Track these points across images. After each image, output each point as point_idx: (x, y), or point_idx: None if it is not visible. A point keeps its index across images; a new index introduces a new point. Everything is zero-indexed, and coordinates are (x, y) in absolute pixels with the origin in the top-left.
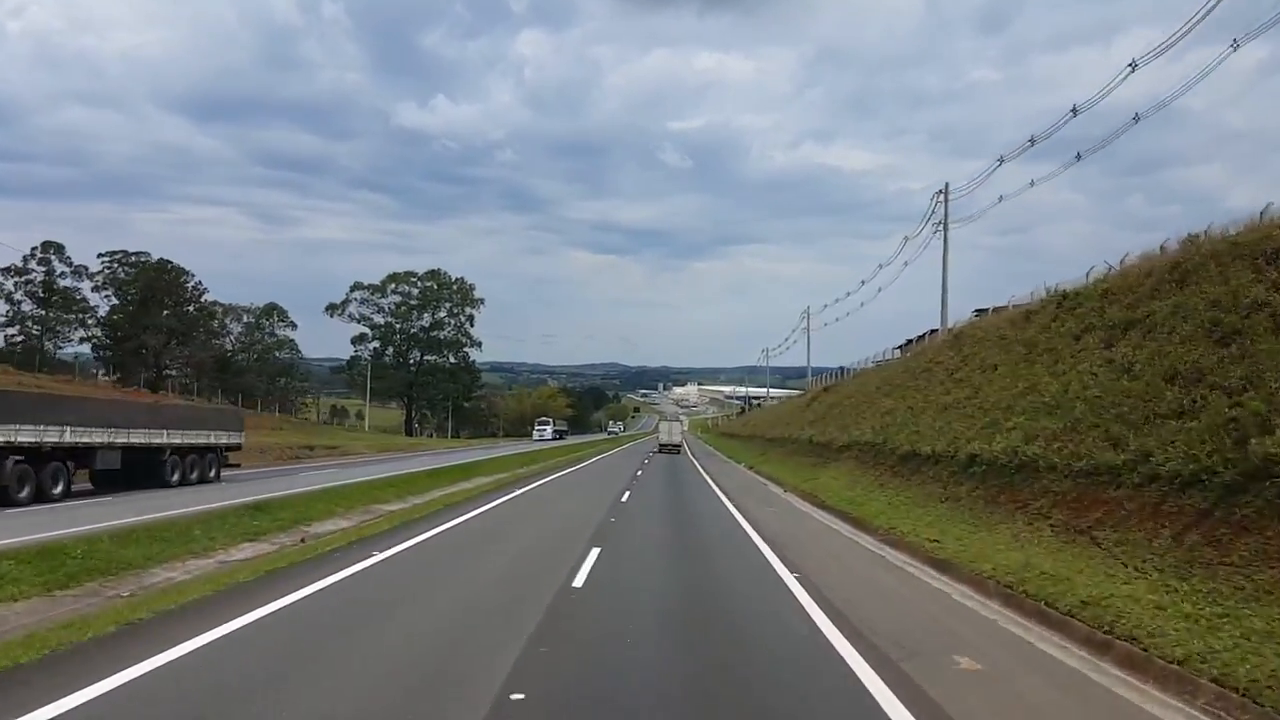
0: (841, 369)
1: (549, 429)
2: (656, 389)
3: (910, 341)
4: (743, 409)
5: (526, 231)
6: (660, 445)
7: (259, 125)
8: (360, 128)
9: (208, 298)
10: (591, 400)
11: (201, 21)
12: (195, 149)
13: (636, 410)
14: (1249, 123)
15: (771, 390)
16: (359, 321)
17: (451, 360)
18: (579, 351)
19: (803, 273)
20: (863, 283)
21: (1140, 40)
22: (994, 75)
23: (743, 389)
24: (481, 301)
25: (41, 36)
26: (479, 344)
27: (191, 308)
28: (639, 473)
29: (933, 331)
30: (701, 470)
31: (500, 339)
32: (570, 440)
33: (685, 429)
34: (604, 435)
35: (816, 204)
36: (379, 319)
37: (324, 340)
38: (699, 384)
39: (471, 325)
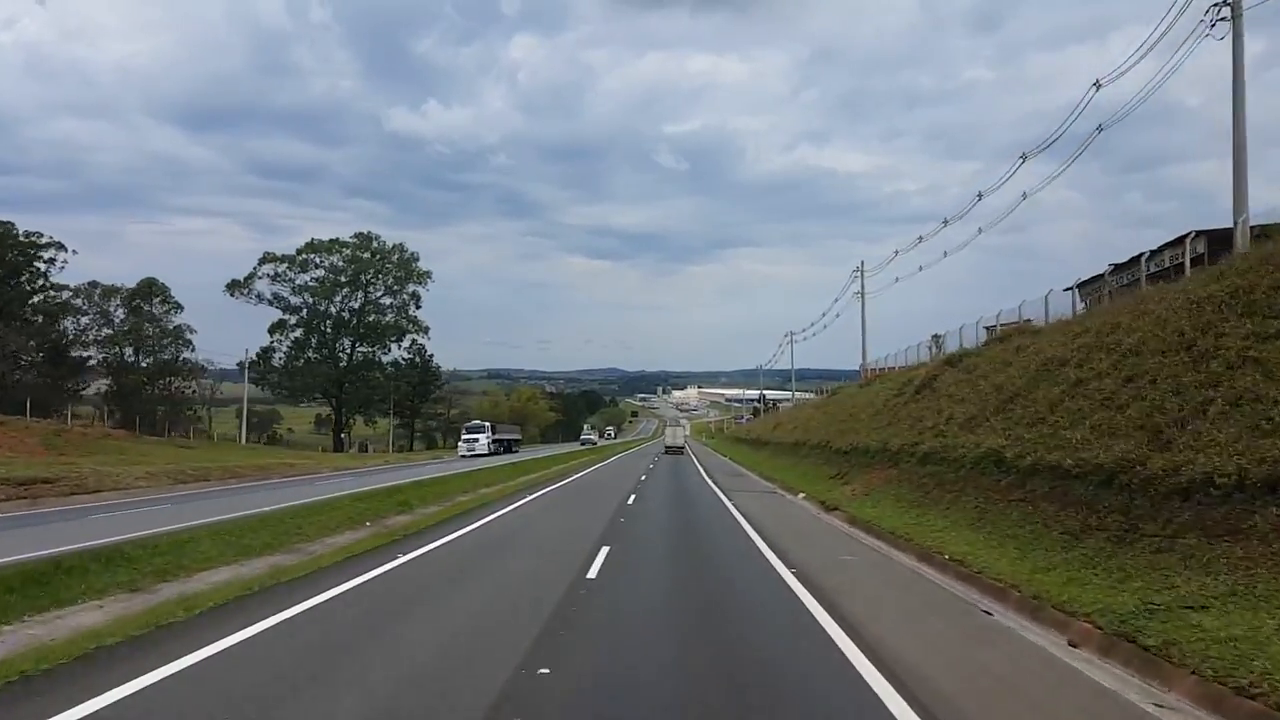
0: (936, 338)
1: (482, 439)
2: (655, 393)
3: (1152, 254)
4: (757, 410)
5: (522, 237)
6: (666, 447)
7: (252, 134)
8: (354, 135)
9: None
10: (585, 404)
11: (193, 30)
12: (188, 159)
13: (634, 415)
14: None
15: (770, 392)
16: (271, 303)
17: (403, 353)
18: (577, 357)
19: (799, 275)
20: (945, 221)
21: (1135, 38)
22: (988, 75)
23: (747, 392)
24: (429, 275)
25: (33, 47)
26: (426, 329)
27: (25, 280)
28: (594, 568)
29: (1201, 233)
30: (741, 519)
31: (497, 345)
32: (524, 455)
33: (688, 434)
34: (579, 445)
35: (812, 206)
36: (295, 299)
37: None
38: (699, 387)
39: (417, 307)
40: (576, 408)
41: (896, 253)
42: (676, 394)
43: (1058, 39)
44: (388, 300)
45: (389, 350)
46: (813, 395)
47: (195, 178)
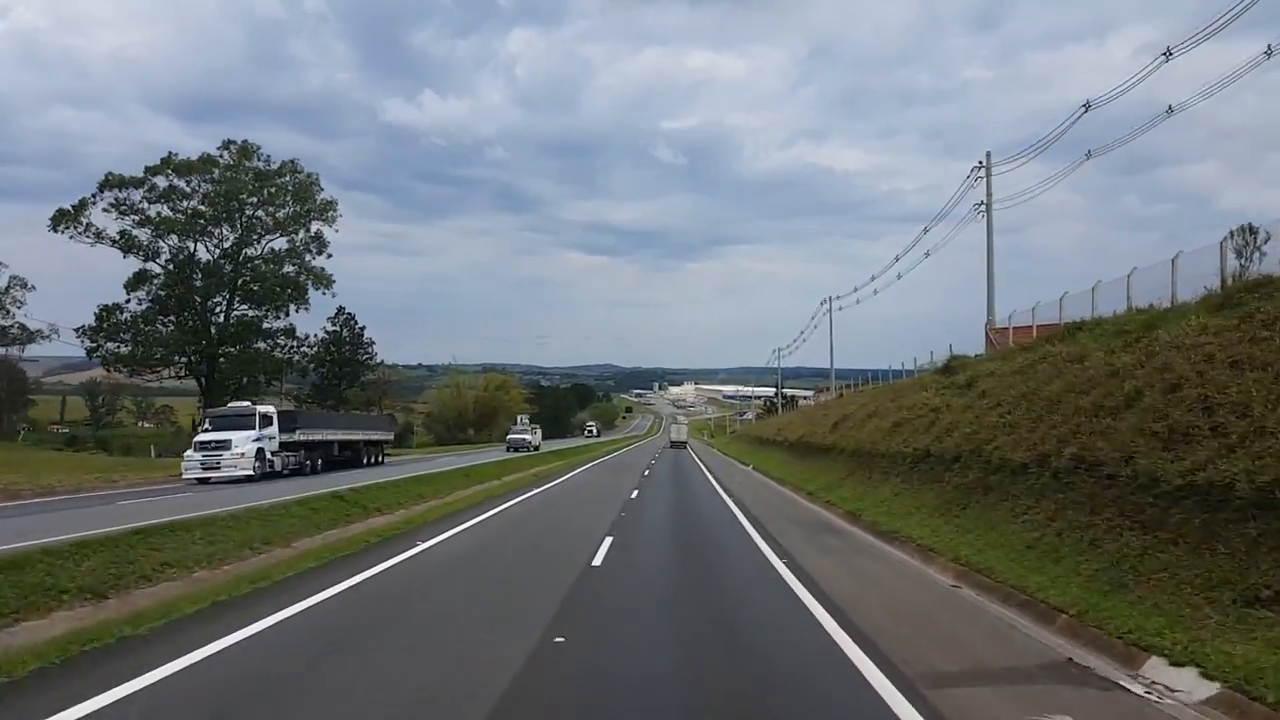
0: (1248, 233)
1: (240, 442)
2: (652, 389)
3: None
4: (772, 405)
5: (519, 232)
6: (671, 442)
7: (247, 126)
8: (350, 129)
9: None
10: (575, 398)
11: (188, 21)
12: (184, 150)
13: (629, 410)
14: (1244, 120)
15: (750, 391)
16: (115, 244)
17: (327, 323)
18: (574, 353)
19: (796, 273)
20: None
21: (1133, 39)
22: (986, 74)
23: (756, 390)
24: (334, 208)
25: (27, 36)
26: (330, 282)
27: None
28: None
29: None
30: None
31: (494, 340)
32: (419, 465)
33: (688, 431)
34: (509, 453)
35: (809, 204)
36: (144, 236)
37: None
38: (696, 384)
39: (321, 252)
40: (565, 402)
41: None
42: (673, 390)
43: (1056, 38)
44: (283, 244)
45: (287, 311)
46: (813, 395)
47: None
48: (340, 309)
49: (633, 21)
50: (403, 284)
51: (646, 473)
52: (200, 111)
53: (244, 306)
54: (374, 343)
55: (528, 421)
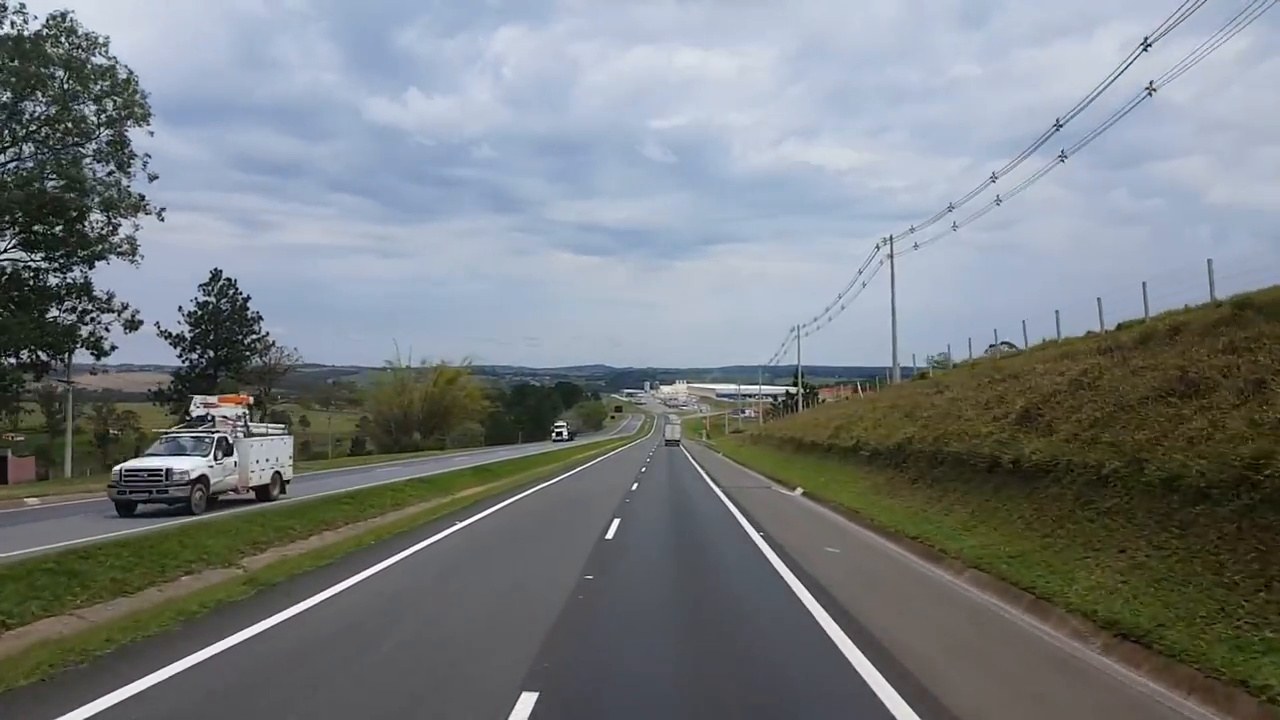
0: None
1: None
2: (643, 388)
3: None
4: (787, 401)
5: (509, 233)
6: (665, 440)
7: (235, 127)
8: (336, 129)
9: None
10: (561, 397)
11: (176, 22)
12: (168, 153)
13: (618, 409)
14: (1231, 115)
15: (769, 388)
16: None
17: (198, 296)
18: (565, 354)
19: (787, 272)
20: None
21: (1121, 34)
22: (975, 70)
23: (763, 388)
24: (134, 87)
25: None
26: (139, 208)
27: None
28: None
29: None
30: None
31: (484, 341)
32: None
33: (681, 430)
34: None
35: (799, 203)
36: None
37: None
38: (688, 383)
39: (125, 166)
40: (550, 401)
41: None
42: (665, 389)
43: (1043, 35)
44: (59, 136)
45: (91, 262)
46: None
47: (176, 173)
48: (216, 272)
49: (622, 18)
50: (391, 285)
51: (613, 531)
52: (187, 114)
53: (14, 250)
54: (261, 318)
55: (251, 421)
